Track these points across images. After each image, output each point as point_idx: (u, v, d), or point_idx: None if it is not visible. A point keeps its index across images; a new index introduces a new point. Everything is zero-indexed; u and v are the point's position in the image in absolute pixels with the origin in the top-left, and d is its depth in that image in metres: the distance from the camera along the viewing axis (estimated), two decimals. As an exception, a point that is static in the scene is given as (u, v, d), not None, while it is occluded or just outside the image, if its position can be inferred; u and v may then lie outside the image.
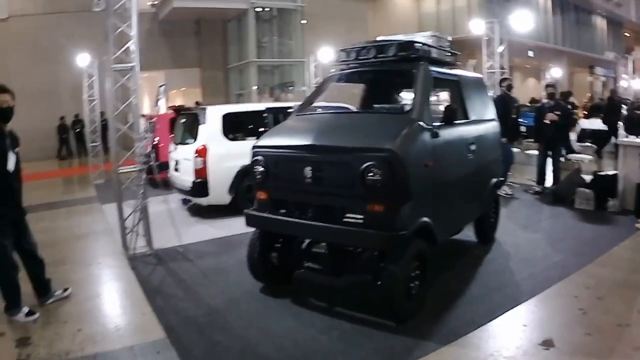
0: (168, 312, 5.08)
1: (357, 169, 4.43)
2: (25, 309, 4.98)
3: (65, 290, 5.49)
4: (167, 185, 9.29)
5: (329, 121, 5.37)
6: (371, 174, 4.37)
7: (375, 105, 5.78)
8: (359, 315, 4.87)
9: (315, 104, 6.11)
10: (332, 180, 4.70)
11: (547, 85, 10.79)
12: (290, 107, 10.29)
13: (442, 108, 5.39)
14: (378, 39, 6.21)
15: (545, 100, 10.66)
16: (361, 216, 4.58)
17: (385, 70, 5.86)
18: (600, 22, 41.52)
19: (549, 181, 10.42)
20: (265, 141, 5.27)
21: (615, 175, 8.87)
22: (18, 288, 4.98)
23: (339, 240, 4.79)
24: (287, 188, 5.05)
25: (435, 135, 4.91)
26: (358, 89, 7.35)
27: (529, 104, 26.74)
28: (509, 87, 10.38)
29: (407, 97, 6.94)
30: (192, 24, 26.95)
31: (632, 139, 8.90)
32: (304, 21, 25.89)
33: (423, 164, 4.73)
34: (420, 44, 5.48)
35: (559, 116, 9.90)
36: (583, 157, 10.18)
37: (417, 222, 4.66)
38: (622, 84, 27.14)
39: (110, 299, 5.69)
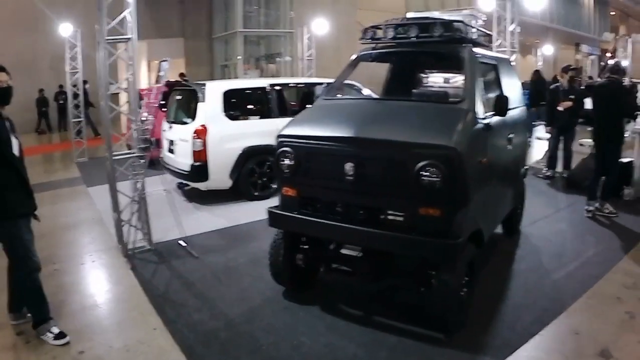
0: (182, 327, 4.45)
1: (412, 168, 3.86)
2: (55, 329, 4.22)
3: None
4: (159, 164, 8.71)
5: (369, 109, 4.75)
6: (428, 173, 3.81)
7: (415, 91, 5.20)
8: (402, 325, 4.38)
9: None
10: (379, 178, 4.12)
11: (570, 69, 10.26)
12: (294, 84, 9.77)
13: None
14: (409, 15, 5.63)
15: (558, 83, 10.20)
16: (410, 220, 4.04)
17: (426, 52, 5.28)
18: (587, 0, 41.28)
19: (559, 166, 10.18)
20: (293, 129, 4.60)
21: (630, 163, 8.51)
22: (44, 295, 4.29)
23: (384, 247, 4.23)
24: (321, 185, 4.43)
25: (488, 128, 4.41)
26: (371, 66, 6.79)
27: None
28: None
29: (435, 80, 6.45)
30: (176, -8, 25.96)
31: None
32: (289, -11, 25.04)
33: (479, 162, 4.22)
34: (464, 24, 4.92)
35: (574, 100, 9.53)
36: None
37: (473, 227, 4.20)
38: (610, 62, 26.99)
39: (112, 309, 4.96)
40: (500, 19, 10.52)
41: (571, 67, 10.38)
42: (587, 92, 9.93)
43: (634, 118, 8.36)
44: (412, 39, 4.86)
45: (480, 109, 4.39)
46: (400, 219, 4.10)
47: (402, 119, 4.36)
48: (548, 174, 10.12)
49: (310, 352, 4.04)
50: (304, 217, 4.47)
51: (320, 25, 16.06)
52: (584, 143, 9.86)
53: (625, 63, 26.31)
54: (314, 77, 14.72)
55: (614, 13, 46.26)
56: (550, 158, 10.19)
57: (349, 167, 4.13)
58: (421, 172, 3.83)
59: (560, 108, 9.53)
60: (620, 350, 4.01)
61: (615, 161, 7.51)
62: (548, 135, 10.68)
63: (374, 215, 4.20)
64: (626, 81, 19.27)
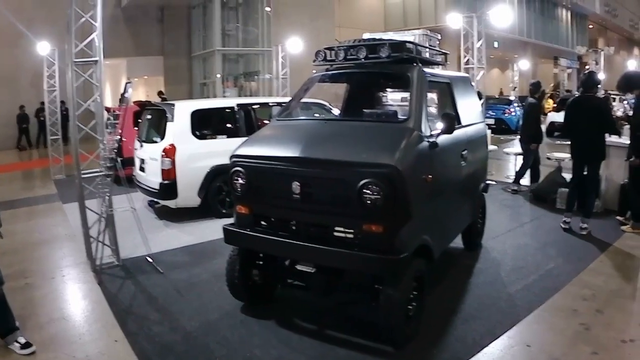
0: (142, 339, 4.59)
1: (353, 186, 4.00)
2: (21, 340, 4.37)
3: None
4: (131, 182, 8.75)
5: (317, 130, 4.91)
6: (369, 191, 3.96)
7: (365, 111, 5.37)
8: (353, 339, 4.49)
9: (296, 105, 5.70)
10: (324, 196, 4.27)
11: (537, 85, 10.24)
12: (262, 103, 9.92)
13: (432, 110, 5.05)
14: (365, 36, 5.82)
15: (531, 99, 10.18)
16: (356, 237, 4.18)
17: (376, 73, 5.45)
18: (565, 14, 41.94)
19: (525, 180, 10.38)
20: (245, 150, 4.76)
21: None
22: (8, 307, 4.41)
23: (331, 263, 4.36)
24: (272, 203, 4.59)
25: (434, 145, 4.55)
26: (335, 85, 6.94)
27: (497, 97, 27.00)
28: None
29: (393, 98, 6.62)
30: (155, 11, 25.89)
31: (615, 139, 8.70)
32: (268, 8, 25.16)
33: (423, 179, 4.36)
34: (413, 45, 5.11)
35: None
36: (564, 156, 9.94)
37: (417, 242, 4.31)
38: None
39: (78, 322, 5.07)
40: (468, 36, 10.73)
41: (537, 85, 10.29)
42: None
43: (618, 135, 8.46)
44: (362, 60, 5.04)
45: (426, 127, 4.53)
46: (347, 235, 4.24)
47: (347, 139, 4.50)
48: (515, 188, 10.26)
49: (261, 364, 4.16)
50: (256, 234, 4.62)
51: (294, 44, 16.23)
52: (551, 157, 10.03)
53: (601, 75, 26.87)
54: (288, 95, 14.91)
55: (592, 26, 46.98)
56: (521, 174, 10.33)
57: (295, 186, 4.28)
58: (363, 190, 3.97)
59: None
60: (572, 362, 4.07)
61: (597, 178, 7.62)
62: (515, 150, 10.85)
63: (322, 232, 4.34)
64: (602, 93, 19.56)
